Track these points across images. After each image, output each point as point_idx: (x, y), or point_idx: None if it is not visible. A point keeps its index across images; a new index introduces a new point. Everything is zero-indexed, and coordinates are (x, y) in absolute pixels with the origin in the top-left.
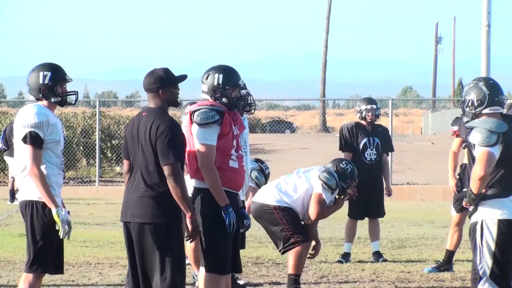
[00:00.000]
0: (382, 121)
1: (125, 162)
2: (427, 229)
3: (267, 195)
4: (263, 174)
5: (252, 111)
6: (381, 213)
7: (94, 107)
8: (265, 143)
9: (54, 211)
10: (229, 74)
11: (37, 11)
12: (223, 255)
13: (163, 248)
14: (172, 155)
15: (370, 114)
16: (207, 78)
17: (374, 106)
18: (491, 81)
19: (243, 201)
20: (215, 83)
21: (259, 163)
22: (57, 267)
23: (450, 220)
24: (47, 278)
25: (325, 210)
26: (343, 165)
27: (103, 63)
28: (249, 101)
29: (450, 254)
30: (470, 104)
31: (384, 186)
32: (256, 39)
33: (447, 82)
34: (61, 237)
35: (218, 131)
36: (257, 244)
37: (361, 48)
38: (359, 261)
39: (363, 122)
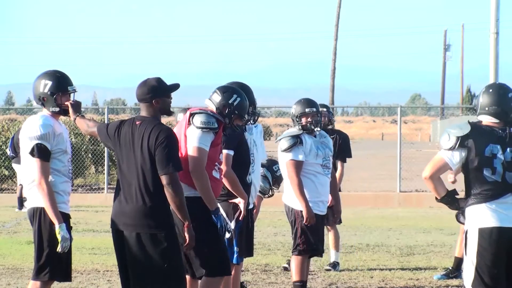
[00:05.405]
0: (391, 128)
1: (95, 127)
2: (436, 236)
3: (293, 198)
4: (267, 181)
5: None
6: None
7: (103, 114)
8: (274, 150)
9: (57, 226)
10: (245, 103)
11: (45, 18)
12: (223, 257)
13: (162, 257)
14: (171, 164)
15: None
16: (224, 93)
17: (325, 110)
18: (490, 90)
19: (252, 209)
20: (230, 102)
21: (265, 168)
22: (66, 275)
23: (459, 227)
24: (56, 286)
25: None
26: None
27: (112, 70)
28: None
29: (458, 261)
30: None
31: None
32: (266, 47)
33: (455, 89)
34: (58, 251)
35: (212, 139)
36: (266, 251)
37: (370, 55)
38: (368, 269)
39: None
